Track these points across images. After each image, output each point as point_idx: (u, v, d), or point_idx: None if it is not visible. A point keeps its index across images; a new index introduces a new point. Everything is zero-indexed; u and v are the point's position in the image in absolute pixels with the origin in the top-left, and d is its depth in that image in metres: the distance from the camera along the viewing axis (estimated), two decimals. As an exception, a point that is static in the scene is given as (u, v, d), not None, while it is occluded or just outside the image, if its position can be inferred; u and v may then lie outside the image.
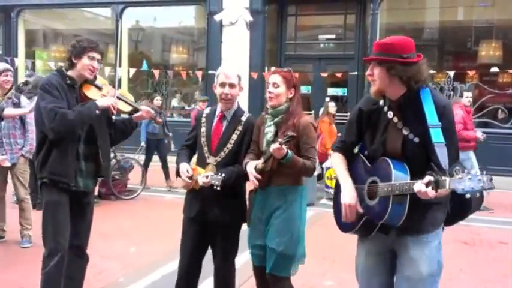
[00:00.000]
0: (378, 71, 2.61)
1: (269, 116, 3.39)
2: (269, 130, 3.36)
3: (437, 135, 2.48)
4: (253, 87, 12.30)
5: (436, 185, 2.33)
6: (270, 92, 3.36)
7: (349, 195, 2.71)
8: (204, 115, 3.62)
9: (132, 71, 13.49)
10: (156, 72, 13.32)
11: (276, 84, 3.35)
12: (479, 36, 12.87)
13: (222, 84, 3.46)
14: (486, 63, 12.17)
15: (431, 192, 2.34)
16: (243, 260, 4.53)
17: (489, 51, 12.69)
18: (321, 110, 10.06)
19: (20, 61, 14.64)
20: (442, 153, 2.44)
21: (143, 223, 7.09)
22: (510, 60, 12.05)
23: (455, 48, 13.82)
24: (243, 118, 3.54)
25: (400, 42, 2.60)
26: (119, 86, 13.18)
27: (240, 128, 3.50)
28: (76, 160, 3.53)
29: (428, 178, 2.36)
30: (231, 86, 3.46)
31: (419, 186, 2.38)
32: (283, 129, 3.29)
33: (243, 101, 12.35)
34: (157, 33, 16.13)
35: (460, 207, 2.66)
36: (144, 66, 13.25)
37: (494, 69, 11.20)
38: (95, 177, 3.72)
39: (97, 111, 3.51)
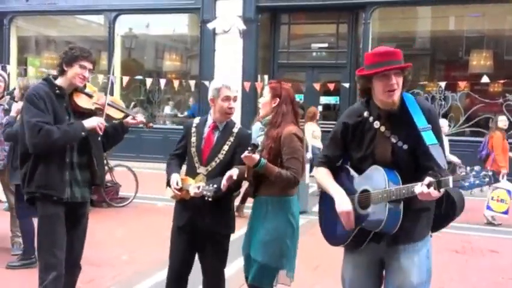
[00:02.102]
0: (400, 79, 2.62)
1: (262, 126, 3.45)
2: (259, 140, 3.41)
3: (429, 137, 2.53)
4: (245, 97, 12.34)
5: (438, 184, 2.35)
6: (259, 102, 3.49)
7: (345, 202, 2.70)
8: (194, 125, 3.62)
9: (125, 78, 13.49)
10: (149, 80, 13.31)
11: (263, 94, 3.47)
12: (470, 46, 12.99)
13: (227, 98, 3.46)
14: (477, 72, 12.27)
15: (434, 193, 2.36)
16: (236, 267, 4.53)
17: (480, 61, 12.81)
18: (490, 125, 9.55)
19: (12, 68, 14.58)
20: (438, 154, 2.48)
21: (135, 231, 7.06)
22: (501, 70, 12.17)
23: (446, 58, 13.93)
24: (235, 130, 3.54)
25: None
26: (111, 93, 13.15)
27: (231, 139, 3.50)
28: (71, 170, 3.46)
29: (428, 179, 2.38)
30: (235, 99, 3.50)
31: (420, 188, 2.39)
32: (267, 139, 3.36)
33: (235, 113, 12.35)
34: (150, 40, 16.14)
35: (447, 212, 2.71)
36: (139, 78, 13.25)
37: (485, 79, 11.30)
38: (90, 186, 3.66)
39: (83, 133, 3.42)
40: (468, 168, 2.30)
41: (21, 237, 5.47)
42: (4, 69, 12.69)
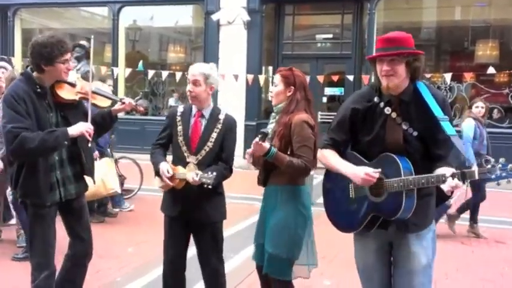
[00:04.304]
0: (400, 66, 2.60)
1: (273, 114, 3.42)
2: (270, 127, 3.38)
3: (449, 128, 2.54)
4: (249, 89, 12.31)
5: (463, 176, 2.38)
6: (270, 92, 3.42)
7: (358, 169, 2.66)
8: (178, 113, 3.60)
9: (129, 70, 13.47)
10: (151, 72, 13.28)
11: (275, 83, 3.40)
12: (476, 36, 12.91)
13: (189, 81, 3.50)
14: (483, 62, 12.19)
15: (459, 184, 2.39)
16: (239, 260, 4.54)
17: (486, 51, 12.73)
18: None
19: (17, 60, 14.57)
20: (460, 145, 2.50)
21: (140, 223, 7.08)
22: (507, 60, 12.08)
23: (452, 48, 13.85)
24: (221, 116, 3.56)
25: (408, 36, 2.66)
26: (114, 86, 13.14)
27: (219, 126, 3.52)
28: (61, 168, 3.36)
29: (451, 170, 2.41)
30: (194, 82, 3.47)
31: (452, 181, 2.40)
32: (278, 126, 3.31)
33: (240, 104, 12.41)
34: (154, 32, 16.10)
35: (440, 198, 2.75)
36: (140, 68, 13.23)
37: (491, 70, 11.22)
38: (83, 177, 3.56)
39: (66, 142, 3.23)
40: (493, 160, 2.34)
41: (22, 230, 5.49)
42: (9, 61, 12.69)
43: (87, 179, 3.60)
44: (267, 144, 3.10)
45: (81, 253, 3.57)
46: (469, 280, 5.12)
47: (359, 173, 2.64)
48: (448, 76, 11.47)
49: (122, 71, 13.75)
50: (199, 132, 3.50)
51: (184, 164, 3.48)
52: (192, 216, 3.49)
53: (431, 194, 2.70)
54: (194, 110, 3.56)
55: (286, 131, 3.23)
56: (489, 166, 2.34)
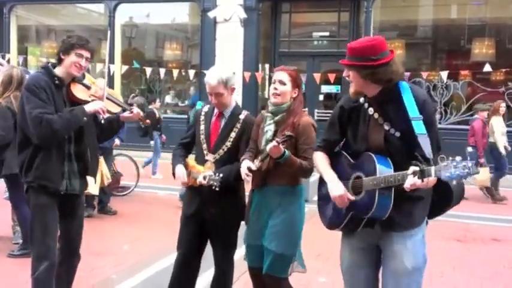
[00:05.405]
0: (352, 74, 2.70)
1: (269, 115, 3.34)
2: (269, 128, 3.31)
3: (419, 127, 2.54)
4: (246, 87, 12.30)
5: (422, 174, 2.36)
6: (275, 89, 3.28)
7: (336, 187, 2.74)
8: (202, 113, 3.65)
9: (125, 67, 13.45)
10: (148, 70, 13.26)
11: (282, 81, 3.29)
12: (473, 34, 12.93)
13: (209, 93, 3.49)
14: (479, 61, 12.22)
15: (417, 182, 2.37)
16: (235, 258, 4.54)
17: (482, 49, 12.74)
18: None
19: (12, 57, 14.53)
20: (425, 144, 2.49)
21: (136, 220, 7.06)
22: (503, 58, 12.11)
23: (448, 46, 13.87)
24: (241, 116, 3.55)
25: (367, 45, 2.63)
26: (111, 83, 13.11)
27: (238, 126, 3.52)
28: (69, 161, 3.44)
29: (413, 168, 2.39)
30: (216, 95, 3.46)
31: (412, 179, 2.39)
32: (283, 128, 3.25)
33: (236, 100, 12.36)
34: (150, 29, 16.07)
35: (443, 199, 2.71)
36: (135, 65, 13.18)
37: (487, 68, 11.24)
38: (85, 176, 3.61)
39: (85, 118, 3.39)
40: (450, 158, 2.27)
41: (19, 227, 5.47)
42: (4, 58, 12.65)
43: (89, 178, 3.67)
44: (282, 147, 3.08)
45: (68, 250, 3.57)
46: (465, 278, 5.13)
47: (334, 192, 2.73)
48: (444, 74, 11.50)
49: (118, 68, 13.71)
50: (217, 131, 3.54)
51: (204, 162, 3.52)
52: (205, 215, 3.50)
53: (422, 198, 2.67)
54: (216, 109, 3.59)
55: (293, 133, 3.19)
56: (444, 164, 2.27)
